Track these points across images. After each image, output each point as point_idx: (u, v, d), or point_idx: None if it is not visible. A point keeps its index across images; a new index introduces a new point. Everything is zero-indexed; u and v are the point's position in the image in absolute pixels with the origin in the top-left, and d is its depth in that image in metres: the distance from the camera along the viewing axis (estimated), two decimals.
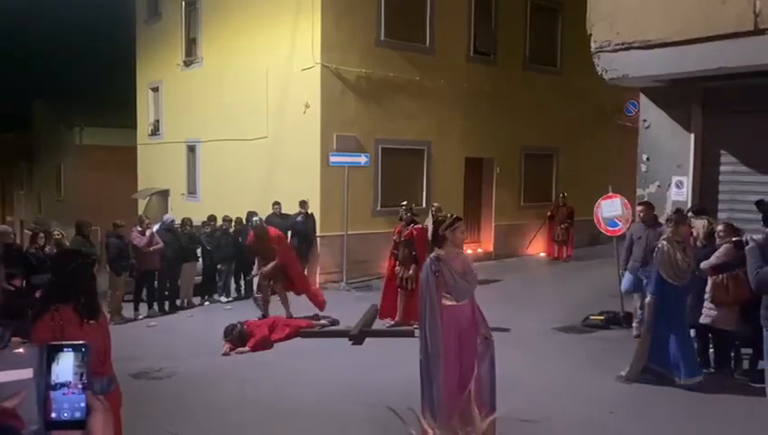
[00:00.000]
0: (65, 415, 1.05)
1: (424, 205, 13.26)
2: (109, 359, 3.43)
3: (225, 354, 8.17)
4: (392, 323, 9.13)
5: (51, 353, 1.07)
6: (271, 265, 9.48)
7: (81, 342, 1.10)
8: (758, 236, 5.76)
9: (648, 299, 6.60)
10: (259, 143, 13.95)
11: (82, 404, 1.06)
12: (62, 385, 1.06)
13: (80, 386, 1.06)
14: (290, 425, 5.76)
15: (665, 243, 6.38)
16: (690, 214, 7.21)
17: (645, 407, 6.01)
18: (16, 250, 10.09)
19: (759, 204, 6.32)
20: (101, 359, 3.30)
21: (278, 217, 12.27)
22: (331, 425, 5.75)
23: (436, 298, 4.63)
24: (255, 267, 10.37)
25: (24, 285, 7.57)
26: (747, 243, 5.90)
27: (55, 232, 10.30)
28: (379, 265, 12.97)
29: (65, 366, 1.07)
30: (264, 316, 9.49)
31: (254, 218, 10.00)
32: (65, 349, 1.08)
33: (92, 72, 27.80)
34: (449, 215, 4.97)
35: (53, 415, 1.05)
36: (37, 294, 8.97)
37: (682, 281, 6.38)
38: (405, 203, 9.61)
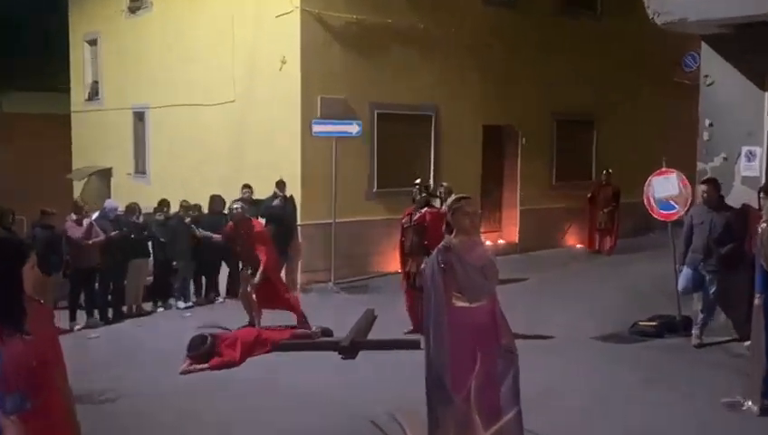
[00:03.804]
0: None
1: (432, 185, 13.25)
2: (36, 376, 3.40)
3: (183, 373, 8.16)
4: (410, 329, 9.15)
5: None
6: (259, 274, 9.48)
7: None
8: None
9: (756, 301, 6.28)
10: (224, 109, 13.91)
11: None
12: None
13: None
14: None
15: (765, 226, 6.25)
16: (762, 193, 7.19)
17: None
18: None
19: None
20: (28, 377, 3.28)
21: (248, 204, 12.26)
22: None
23: (443, 298, 4.62)
24: (242, 272, 10.28)
25: None
26: None
27: None
28: (376, 261, 13.02)
29: None
30: (251, 324, 9.57)
31: (235, 206, 9.93)
32: None
33: (13, 24, 27.57)
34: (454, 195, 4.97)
35: None
36: None
37: None
38: (419, 181, 9.67)
